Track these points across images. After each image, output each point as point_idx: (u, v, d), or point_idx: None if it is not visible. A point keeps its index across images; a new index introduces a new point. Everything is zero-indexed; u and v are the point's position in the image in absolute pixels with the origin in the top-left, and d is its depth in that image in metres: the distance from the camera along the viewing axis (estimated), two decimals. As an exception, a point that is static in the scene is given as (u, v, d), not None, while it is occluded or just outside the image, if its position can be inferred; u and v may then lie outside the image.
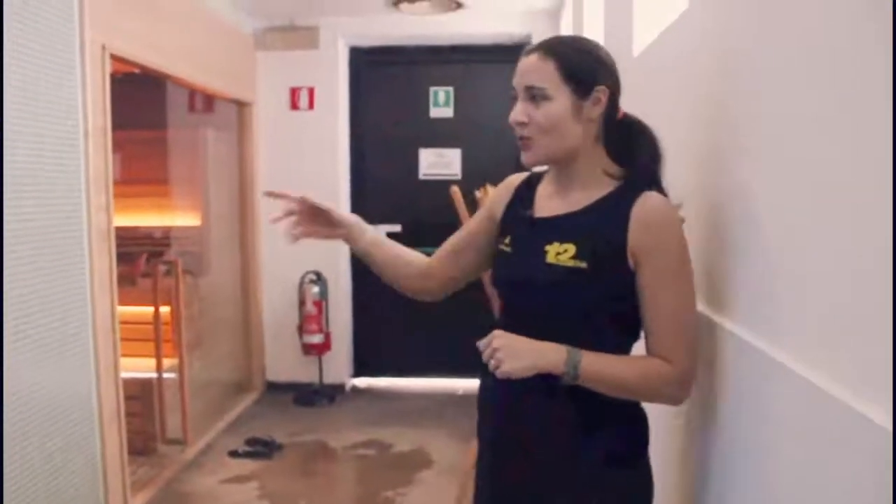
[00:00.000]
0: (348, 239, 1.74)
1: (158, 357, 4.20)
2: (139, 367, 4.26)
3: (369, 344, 5.78)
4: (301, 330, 5.32)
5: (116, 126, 4.97)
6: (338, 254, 5.49)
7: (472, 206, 3.44)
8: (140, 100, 5.07)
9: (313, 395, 5.34)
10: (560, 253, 1.44)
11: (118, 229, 4.88)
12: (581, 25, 3.90)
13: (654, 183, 1.48)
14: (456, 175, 5.56)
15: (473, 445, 3.16)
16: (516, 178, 1.68)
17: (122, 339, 4.07)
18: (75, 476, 3.02)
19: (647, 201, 1.41)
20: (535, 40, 5.05)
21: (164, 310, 4.29)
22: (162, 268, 4.28)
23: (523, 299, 1.52)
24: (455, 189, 3.35)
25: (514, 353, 1.37)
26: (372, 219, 5.62)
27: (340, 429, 4.79)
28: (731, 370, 1.43)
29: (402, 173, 5.62)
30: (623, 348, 1.49)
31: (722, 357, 1.47)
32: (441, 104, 5.58)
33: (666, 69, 2.01)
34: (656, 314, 1.41)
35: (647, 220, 1.40)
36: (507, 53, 5.50)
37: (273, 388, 5.55)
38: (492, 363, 1.38)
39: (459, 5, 4.95)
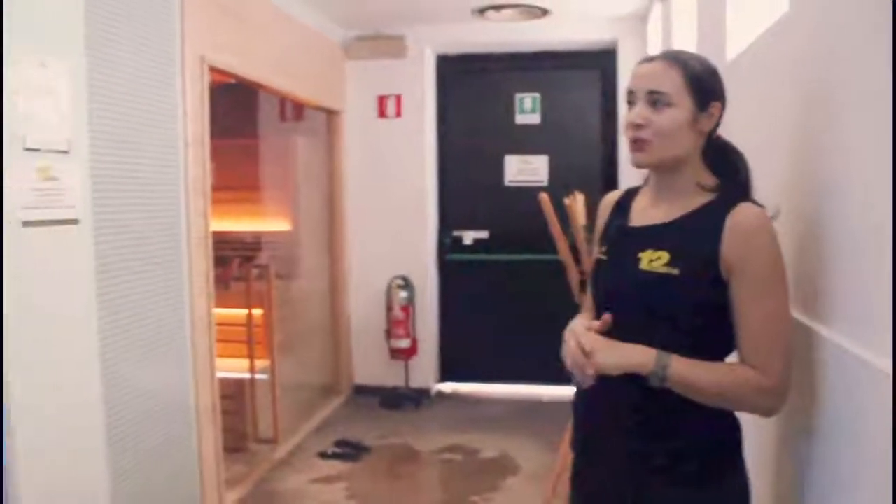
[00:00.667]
0: None
1: (251, 358, 4.33)
2: (232, 368, 4.40)
3: (455, 349, 5.80)
4: (388, 334, 5.39)
5: (212, 134, 5.23)
6: (425, 259, 5.55)
7: (561, 212, 3.43)
8: (233, 109, 5.25)
9: (400, 399, 5.39)
10: (654, 260, 1.47)
11: (212, 234, 5.13)
12: (670, 31, 3.85)
13: (749, 197, 1.50)
14: (542, 182, 5.54)
15: (561, 454, 3.16)
16: (613, 195, 1.75)
17: (218, 341, 4.25)
18: (173, 472, 3.14)
19: (742, 212, 1.42)
20: (622, 47, 5.05)
21: (256, 312, 4.42)
22: (254, 271, 4.40)
23: (618, 305, 1.53)
24: (544, 196, 3.35)
25: (609, 351, 1.44)
26: (459, 224, 5.71)
27: (426, 433, 4.83)
28: (827, 377, 1.39)
29: (488, 180, 5.64)
30: (716, 356, 1.47)
31: (818, 364, 1.43)
32: (527, 111, 5.58)
33: (763, 73, 1.97)
34: (748, 324, 1.41)
35: (741, 230, 1.41)
36: (593, 60, 5.49)
37: (360, 391, 5.64)
38: (574, 361, 1.45)
39: (545, 12, 4.95)
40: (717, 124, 1.53)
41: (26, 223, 2.29)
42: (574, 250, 3.46)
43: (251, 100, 5.22)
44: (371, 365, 5.62)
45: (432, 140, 5.63)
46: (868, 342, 1.21)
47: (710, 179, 1.52)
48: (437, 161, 5.69)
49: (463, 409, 5.42)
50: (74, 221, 2.53)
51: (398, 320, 5.32)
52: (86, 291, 2.58)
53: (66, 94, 2.46)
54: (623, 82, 5.22)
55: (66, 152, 2.48)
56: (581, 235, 3.38)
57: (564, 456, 3.29)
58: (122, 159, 2.80)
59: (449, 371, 5.84)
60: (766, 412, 1.46)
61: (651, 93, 1.47)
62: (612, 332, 1.48)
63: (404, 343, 5.35)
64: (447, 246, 5.72)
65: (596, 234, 1.75)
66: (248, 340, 4.31)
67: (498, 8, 4.86)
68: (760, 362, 1.39)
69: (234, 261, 4.83)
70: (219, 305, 4.56)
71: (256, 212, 5.33)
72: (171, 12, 3.13)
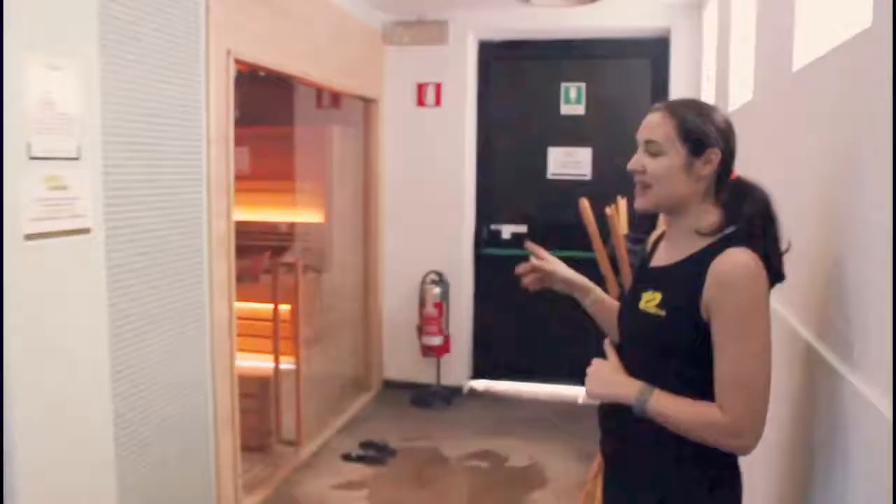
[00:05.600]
0: (578, 296, 1.98)
1: (276, 356, 4.22)
2: (258, 366, 4.31)
3: (489, 346, 5.65)
4: (420, 331, 5.25)
5: (245, 122, 5.10)
6: (460, 254, 5.38)
7: (601, 221, 3.23)
8: (268, 96, 5.12)
9: (430, 397, 5.26)
10: (649, 300, 1.61)
11: (243, 224, 4.99)
12: (728, 24, 3.58)
13: (758, 239, 1.54)
14: (585, 176, 5.33)
15: (594, 465, 3.01)
16: (655, 234, 1.89)
17: (243, 336, 4.16)
18: (188, 481, 3.04)
19: (727, 257, 1.50)
20: (675, 35, 4.77)
21: (284, 308, 4.31)
22: (282, 268, 4.28)
23: (626, 339, 1.74)
24: (584, 202, 3.13)
25: (598, 380, 1.66)
26: (498, 218, 5.54)
27: (455, 435, 4.68)
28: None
29: (529, 172, 5.44)
30: (706, 396, 1.52)
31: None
32: (572, 101, 5.34)
33: (838, 89, 1.73)
34: (720, 364, 1.49)
35: (719, 275, 1.49)
36: (643, 48, 5.22)
37: (390, 386, 5.52)
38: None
39: (595, -2, 4.68)
40: (727, 170, 1.61)
41: (30, 236, 2.17)
42: (614, 262, 3.25)
43: (287, 86, 5.07)
44: (402, 360, 5.49)
45: (472, 130, 5.44)
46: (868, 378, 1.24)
47: (711, 224, 1.59)
48: (476, 152, 5.49)
49: (495, 408, 5.26)
50: (86, 231, 2.41)
51: (431, 317, 5.17)
52: (97, 301, 2.47)
53: (76, 97, 2.33)
54: (676, 72, 4.98)
55: (76, 159, 2.34)
56: (623, 247, 3.17)
57: (595, 476, 3.13)
58: (139, 162, 2.66)
59: (482, 368, 5.69)
60: (733, 450, 1.53)
61: (646, 142, 1.62)
62: (623, 362, 1.66)
63: (437, 340, 5.20)
64: (484, 240, 5.53)
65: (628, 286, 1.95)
66: (274, 338, 4.20)
67: (544, -6, 4.62)
68: (724, 401, 1.47)
69: (265, 253, 4.71)
70: (247, 299, 4.53)
71: (290, 202, 5.19)
72: (195, 3, 2.97)
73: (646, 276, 1.71)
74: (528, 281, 1.94)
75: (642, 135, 1.63)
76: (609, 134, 5.28)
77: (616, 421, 1.68)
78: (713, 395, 1.51)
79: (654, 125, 1.61)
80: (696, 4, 4.80)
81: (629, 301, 1.72)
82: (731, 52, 3.46)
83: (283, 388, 4.32)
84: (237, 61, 3.27)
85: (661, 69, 5.14)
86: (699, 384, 1.52)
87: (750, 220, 1.57)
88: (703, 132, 1.58)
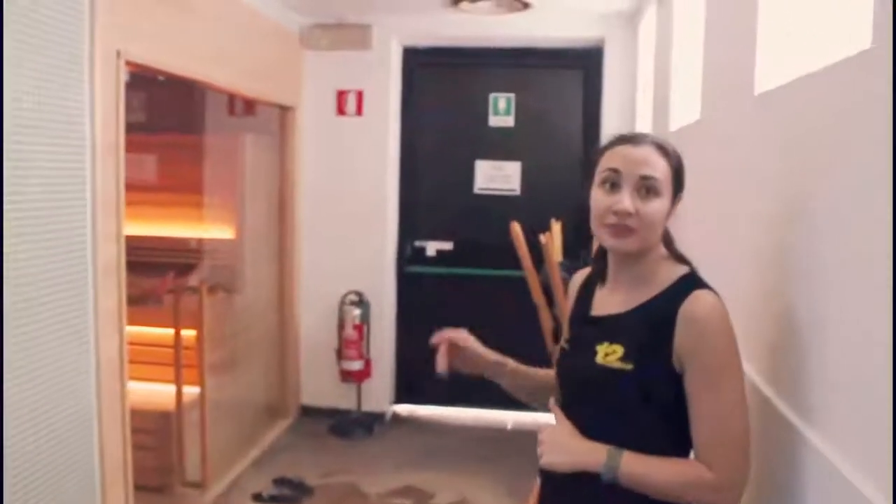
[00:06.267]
0: (492, 375, 1.81)
1: (178, 389, 3.83)
2: (159, 398, 3.92)
3: (414, 368, 5.31)
4: (339, 354, 4.91)
5: (152, 129, 4.71)
6: (382, 272, 5.08)
7: (532, 243, 2.98)
8: (176, 101, 4.72)
9: (350, 425, 4.94)
10: (609, 353, 1.46)
11: (146, 240, 4.61)
12: (669, 36, 3.37)
13: (703, 283, 1.46)
14: (514, 191, 5.10)
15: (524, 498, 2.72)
16: (580, 276, 1.72)
17: (143, 363, 3.78)
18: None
19: (696, 300, 1.40)
20: (609, 45, 4.54)
21: (190, 333, 3.93)
22: (187, 290, 3.89)
23: (577, 395, 1.56)
24: (516, 227, 2.88)
25: (558, 448, 1.48)
26: (422, 234, 5.23)
27: (377, 468, 4.37)
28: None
29: (456, 186, 5.16)
30: (677, 452, 1.45)
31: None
32: (501, 112, 5.10)
33: (813, 116, 1.49)
34: (699, 417, 1.39)
35: (692, 319, 1.38)
36: (576, 59, 5.02)
37: (307, 412, 5.17)
38: (539, 452, 1.50)
39: (526, 5, 4.45)
40: None
41: None
42: (547, 290, 3.00)
43: (197, 90, 4.67)
44: (321, 384, 5.14)
45: (395, 141, 5.13)
46: (860, 464, 1.12)
47: (668, 266, 1.50)
48: (399, 164, 5.18)
49: (419, 437, 4.96)
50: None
51: (351, 340, 4.84)
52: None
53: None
54: (610, 84, 4.78)
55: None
56: (557, 275, 2.92)
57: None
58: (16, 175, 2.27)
59: (406, 392, 5.38)
60: None
61: (645, 178, 1.44)
62: (570, 417, 1.51)
63: (357, 365, 4.87)
64: (407, 257, 5.23)
65: (564, 318, 1.78)
66: (176, 369, 3.80)
67: (474, -1, 4.36)
68: (710, 457, 1.37)
69: (169, 273, 4.31)
70: (149, 323, 4.15)
71: (199, 215, 4.79)
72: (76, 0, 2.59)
73: (593, 327, 1.56)
74: (440, 362, 1.79)
75: (635, 169, 1.44)
76: (539, 147, 5.07)
77: (578, 492, 1.48)
78: (683, 450, 1.44)
79: (651, 161, 1.46)
80: (630, 15, 4.61)
81: (576, 355, 1.57)
82: (671, 67, 3.25)
83: (187, 420, 3.92)
84: (129, 63, 2.89)
85: (594, 81, 4.94)
86: (668, 440, 1.44)
87: (689, 261, 1.52)
88: (683, 174, 1.51)
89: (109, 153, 2.79)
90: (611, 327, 1.50)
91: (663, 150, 1.48)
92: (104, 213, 2.76)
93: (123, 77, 2.86)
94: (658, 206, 1.45)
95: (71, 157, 2.60)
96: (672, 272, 1.48)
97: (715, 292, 1.43)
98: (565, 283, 3.01)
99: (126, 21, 2.86)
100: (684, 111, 3.00)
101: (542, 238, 2.92)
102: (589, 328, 1.57)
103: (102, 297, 2.78)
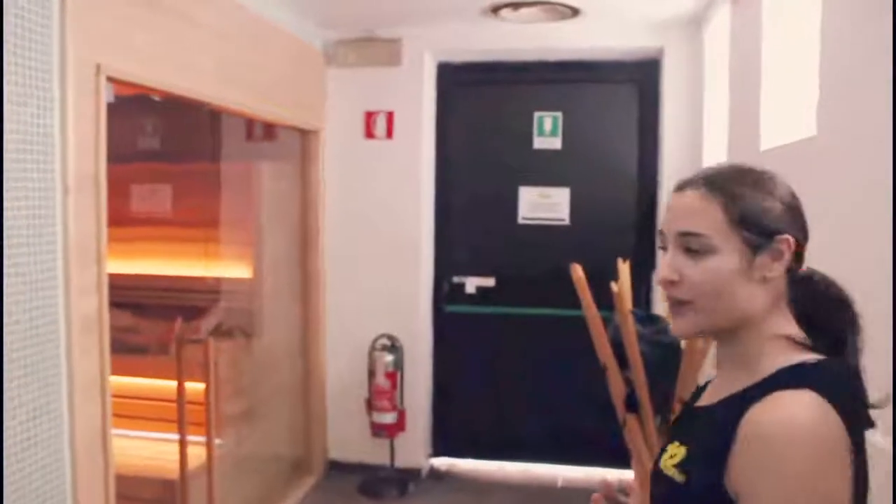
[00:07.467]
0: None
1: (182, 451, 3.36)
2: (165, 460, 3.48)
3: (453, 418, 4.86)
4: (370, 406, 4.42)
5: (158, 157, 4.32)
6: (417, 312, 4.60)
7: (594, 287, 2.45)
8: (183, 125, 4.31)
9: (381, 483, 4.44)
10: (672, 456, 1.17)
11: (153, 279, 4.21)
12: (756, 35, 2.85)
13: (815, 378, 1.05)
14: (563, 220, 4.62)
15: None
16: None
17: (149, 419, 3.62)
18: None
19: (768, 406, 1.02)
20: (669, 56, 3.97)
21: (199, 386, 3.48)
22: (193, 339, 3.45)
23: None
24: (578, 270, 2.37)
25: None
26: (461, 270, 4.74)
27: (412, 538, 3.86)
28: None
29: (498, 216, 4.71)
30: None
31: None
32: (547, 133, 4.63)
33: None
34: None
35: (753, 434, 1.02)
36: (630, 72, 4.55)
37: (336, 468, 4.70)
38: None
39: (575, 12, 3.97)
40: (799, 261, 1.15)
41: None
42: (618, 347, 2.45)
43: (213, 114, 4.25)
44: (350, 437, 4.67)
45: (430, 167, 4.69)
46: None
47: (781, 349, 1.11)
48: (435, 192, 4.74)
49: (459, 495, 4.46)
50: None
51: (382, 390, 4.35)
52: None
53: None
54: (669, 100, 4.28)
55: None
56: (631, 330, 2.38)
57: None
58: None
59: (445, 443, 4.88)
60: None
61: (683, 235, 1.14)
62: None
63: (389, 418, 4.37)
64: (445, 295, 4.74)
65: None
66: (181, 431, 3.33)
67: (516, 6, 3.89)
68: None
69: (176, 321, 3.86)
70: (156, 376, 3.78)
71: (213, 252, 4.36)
72: (42, 5, 2.14)
73: (683, 421, 1.28)
74: None
75: (675, 226, 1.15)
76: (590, 172, 4.60)
77: None
78: None
79: (694, 210, 1.14)
80: (693, 20, 4.09)
81: (660, 452, 1.25)
82: (761, 74, 2.72)
83: (193, 490, 3.45)
84: (112, 80, 2.43)
85: (650, 96, 4.45)
86: None
87: (836, 341, 1.14)
88: (767, 211, 1.13)
89: (86, 187, 2.34)
90: (687, 423, 1.24)
91: (715, 187, 1.14)
92: (80, 260, 2.30)
93: (106, 96, 2.41)
94: (713, 265, 1.12)
95: (35, 192, 2.14)
96: (780, 359, 1.10)
97: (826, 392, 1.02)
98: (640, 340, 2.49)
99: (108, 30, 2.42)
100: (775, 132, 2.47)
101: (614, 286, 2.39)
102: (682, 421, 1.29)
103: (79, 360, 2.31)
